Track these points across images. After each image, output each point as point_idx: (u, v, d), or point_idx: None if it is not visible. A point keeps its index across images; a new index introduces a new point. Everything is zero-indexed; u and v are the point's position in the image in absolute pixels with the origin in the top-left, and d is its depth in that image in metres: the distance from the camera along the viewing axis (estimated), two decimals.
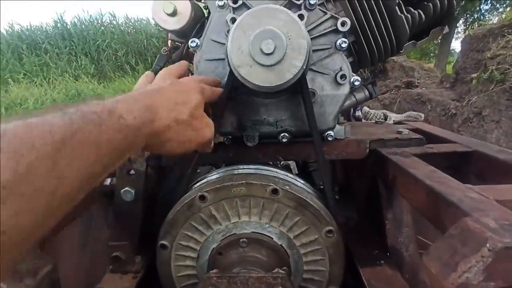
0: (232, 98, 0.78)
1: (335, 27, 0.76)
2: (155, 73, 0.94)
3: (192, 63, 1.00)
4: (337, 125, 0.85)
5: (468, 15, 13.57)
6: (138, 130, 0.42)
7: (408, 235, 0.82)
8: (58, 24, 10.89)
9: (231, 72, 0.70)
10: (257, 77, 0.58)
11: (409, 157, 0.79)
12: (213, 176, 0.81)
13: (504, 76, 4.16)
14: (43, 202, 0.29)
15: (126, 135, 0.40)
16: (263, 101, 0.80)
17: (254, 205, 0.73)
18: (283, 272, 0.65)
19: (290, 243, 0.76)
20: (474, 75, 4.82)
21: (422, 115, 1.26)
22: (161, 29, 0.78)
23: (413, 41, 0.83)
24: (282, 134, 0.82)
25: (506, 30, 4.66)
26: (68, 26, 10.86)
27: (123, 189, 0.73)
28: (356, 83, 0.79)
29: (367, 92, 0.84)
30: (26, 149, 0.28)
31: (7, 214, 0.26)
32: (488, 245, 0.41)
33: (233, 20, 0.74)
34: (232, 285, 0.64)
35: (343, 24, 0.75)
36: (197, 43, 0.77)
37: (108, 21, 11.31)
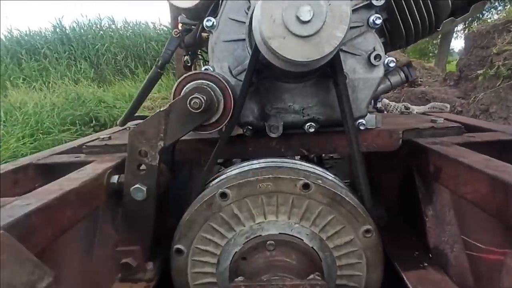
0: (253, 84, 0.70)
1: (368, 2, 0.68)
2: (166, 60, 0.87)
3: (204, 49, 0.92)
4: (368, 113, 0.77)
5: None
6: None
7: (452, 233, 0.73)
8: (57, 29, 10.84)
9: (254, 51, 0.62)
10: (291, 50, 0.49)
11: (452, 146, 0.71)
12: (234, 171, 0.72)
13: (511, 72, 4.09)
14: None
15: None
16: (288, 87, 0.72)
17: (282, 203, 0.65)
18: (320, 278, 0.56)
19: (322, 244, 0.67)
20: (480, 71, 4.74)
21: (448, 106, 1.18)
22: (172, 7, 0.70)
23: (452, 17, 0.75)
24: (308, 124, 0.74)
25: (511, 26, 4.60)
26: (67, 31, 10.80)
27: (134, 187, 0.65)
28: (391, 64, 0.71)
29: (402, 75, 0.76)
30: None
31: None
32: None
33: None
34: None
35: None
36: (213, 22, 0.69)
37: (107, 25, 11.26)
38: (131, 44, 10.83)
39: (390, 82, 0.76)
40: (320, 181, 0.64)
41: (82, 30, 11.15)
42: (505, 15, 5.54)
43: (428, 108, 1.20)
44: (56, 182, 0.62)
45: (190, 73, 0.61)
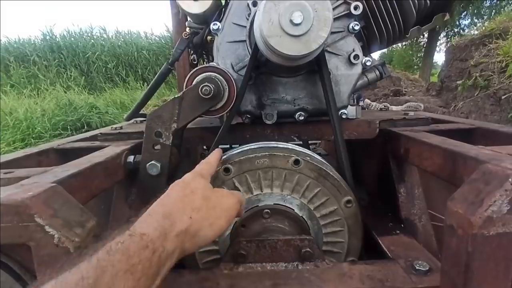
0: (252, 78, 0.82)
1: (348, 12, 0.82)
2: (176, 58, 0.99)
3: (208, 49, 1.04)
4: (349, 105, 0.90)
5: (448, 29, 14.20)
6: (164, 238, 0.43)
7: (420, 207, 0.86)
8: (47, 37, 10.84)
9: (254, 50, 0.75)
10: (286, 46, 0.62)
11: (420, 132, 0.84)
12: (236, 150, 0.83)
13: (487, 83, 4.36)
14: None
15: (153, 249, 0.40)
16: (281, 80, 0.84)
17: (276, 177, 0.76)
18: (310, 236, 0.68)
19: (310, 214, 0.78)
20: (459, 82, 5.03)
21: (422, 105, 1.33)
22: (185, 12, 0.82)
23: (418, 26, 0.89)
24: (299, 113, 0.86)
25: (487, 40, 4.92)
26: (57, 39, 10.82)
27: (149, 163, 0.75)
28: (368, 63, 0.84)
29: (377, 73, 0.89)
30: None
31: None
32: (510, 179, 0.45)
33: (254, 4, 0.79)
34: (261, 249, 0.67)
35: (356, 8, 0.80)
36: (219, 26, 0.82)
37: (99, 34, 11.33)
38: (123, 53, 10.87)
39: (367, 78, 0.90)
40: (308, 158, 0.76)
41: (72, 39, 11.16)
42: (483, 29, 5.91)
43: (405, 107, 1.34)
44: (84, 157, 0.72)
45: (201, 66, 0.73)
